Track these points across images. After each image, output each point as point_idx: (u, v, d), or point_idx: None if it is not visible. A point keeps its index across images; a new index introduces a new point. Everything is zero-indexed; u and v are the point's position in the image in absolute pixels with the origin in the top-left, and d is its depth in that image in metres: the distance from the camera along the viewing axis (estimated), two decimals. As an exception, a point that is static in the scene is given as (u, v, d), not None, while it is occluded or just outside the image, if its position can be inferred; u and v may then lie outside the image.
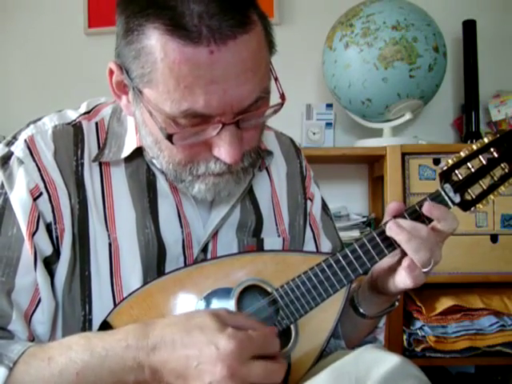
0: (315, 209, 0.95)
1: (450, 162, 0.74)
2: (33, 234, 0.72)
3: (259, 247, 0.84)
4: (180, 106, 0.63)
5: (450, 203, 0.74)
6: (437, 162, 1.55)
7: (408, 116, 1.70)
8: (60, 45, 2.05)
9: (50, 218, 0.73)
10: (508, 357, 1.50)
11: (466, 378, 1.79)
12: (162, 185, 0.79)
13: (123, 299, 0.73)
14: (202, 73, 0.61)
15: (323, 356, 0.76)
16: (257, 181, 0.88)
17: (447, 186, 0.74)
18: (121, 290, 0.74)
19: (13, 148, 0.75)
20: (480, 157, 0.74)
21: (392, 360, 0.63)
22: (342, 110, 1.87)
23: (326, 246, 0.94)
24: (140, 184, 0.79)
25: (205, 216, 0.81)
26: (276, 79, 0.71)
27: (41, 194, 0.73)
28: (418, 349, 1.51)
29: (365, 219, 1.75)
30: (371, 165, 1.91)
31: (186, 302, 0.72)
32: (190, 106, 0.63)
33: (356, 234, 1.66)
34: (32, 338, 0.72)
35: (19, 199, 0.72)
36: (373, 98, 1.64)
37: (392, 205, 0.75)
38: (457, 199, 0.74)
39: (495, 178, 0.74)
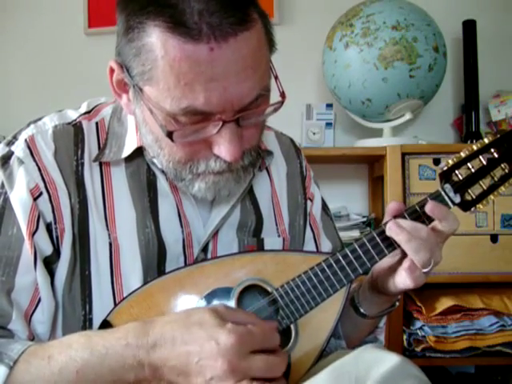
0: (315, 209, 0.95)
1: (450, 162, 0.74)
2: (33, 234, 0.72)
3: (259, 247, 0.84)
4: (180, 103, 0.63)
5: (450, 203, 0.74)
6: (437, 162, 1.55)
7: (408, 116, 1.70)
8: (60, 45, 2.05)
9: (50, 217, 0.73)
10: (508, 357, 1.50)
11: (465, 377, 1.79)
12: (162, 184, 0.79)
13: (123, 299, 0.73)
14: (203, 70, 0.61)
15: (323, 356, 0.76)
16: (257, 181, 0.88)
17: (447, 186, 0.74)
18: (121, 290, 0.74)
19: (13, 148, 0.75)
20: (480, 157, 0.74)
21: (392, 360, 0.63)
22: (342, 110, 1.87)
23: (326, 246, 0.94)
24: (140, 184, 0.79)
25: (205, 216, 0.81)
26: (276, 77, 0.71)
27: (41, 193, 0.73)
28: (418, 349, 1.51)
29: (365, 219, 1.75)
30: (371, 165, 1.91)
31: (186, 302, 0.72)
32: (190, 103, 0.63)
33: (356, 234, 1.66)
34: (32, 338, 0.72)
35: (19, 199, 0.72)
36: (373, 98, 1.64)
37: (392, 205, 0.75)
38: (457, 199, 0.74)
39: (495, 179, 0.74)
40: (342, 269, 0.73)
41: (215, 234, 0.81)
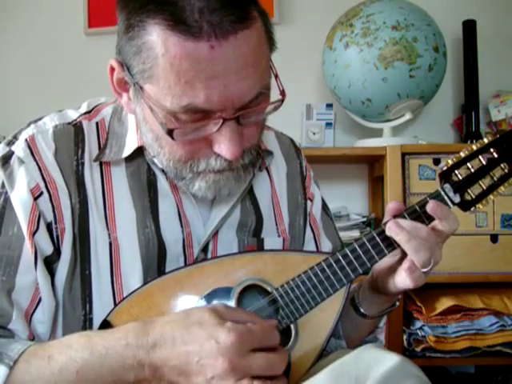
0: (315, 209, 0.95)
1: (450, 162, 0.74)
2: (33, 234, 0.72)
3: (259, 247, 0.84)
4: (181, 101, 0.63)
5: (449, 203, 0.74)
6: (437, 161, 1.55)
7: (408, 116, 1.70)
8: (60, 45, 2.05)
9: (50, 217, 0.73)
10: (508, 357, 1.50)
11: (465, 378, 1.79)
12: (162, 184, 0.79)
13: (123, 298, 0.73)
14: (203, 67, 0.61)
15: (323, 355, 0.76)
16: (257, 181, 0.88)
17: (447, 186, 0.74)
18: (121, 290, 0.74)
19: (13, 147, 0.75)
20: (480, 157, 0.74)
21: (392, 359, 0.63)
22: (342, 110, 1.87)
23: (327, 246, 0.94)
24: (140, 183, 0.79)
25: (205, 215, 0.81)
26: (276, 76, 0.71)
27: (41, 193, 0.73)
28: (418, 349, 1.51)
29: (365, 219, 1.75)
30: (371, 165, 1.91)
31: (186, 302, 0.72)
32: (190, 101, 0.63)
33: (356, 234, 1.66)
34: (32, 337, 0.72)
35: (20, 198, 0.72)
36: (373, 98, 1.64)
37: (392, 205, 0.75)
38: (457, 199, 0.74)
39: (495, 179, 0.74)
40: (342, 268, 0.73)
41: (215, 233, 0.81)
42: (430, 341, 1.49)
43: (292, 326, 0.74)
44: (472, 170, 0.74)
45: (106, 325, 0.71)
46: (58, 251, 0.74)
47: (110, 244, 0.75)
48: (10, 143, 0.76)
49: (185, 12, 0.60)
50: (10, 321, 0.70)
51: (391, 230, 0.72)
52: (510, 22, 1.92)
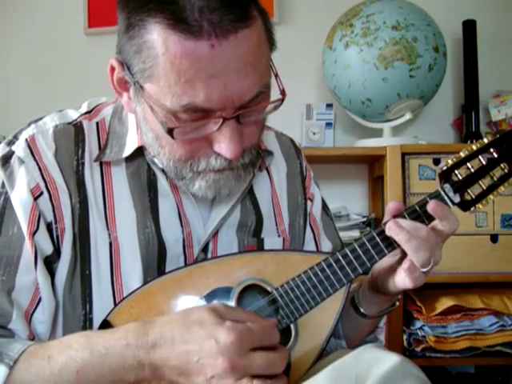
0: (315, 209, 0.95)
1: (450, 162, 0.74)
2: (33, 234, 0.72)
3: (259, 247, 0.84)
4: (181, 100, 0.63)
5: (449, 203, 0.74)
6: (437, 162, 1.55)
7: (408, 116, 1.70)
8: (60, 45, 2.05)
9: (50, 217, 0.73)
10: (508, 357, 1.50)
11: (465, 378, 1.79)
12: (162, 184, 0.79)
13: (123, 298, 0.73)
14: (203, 66, 0.62)
15: (323, 355, 0.76)
16: (257, 181, 0.88)
17: (447, 186, 0.74)
18: (121, 290, 0.74)
19: (14, 147, 0.75)
20: (480, 157, 0.74)
21: (392, 359, 0.63)
22: (342, 110, 1.87)
23: (327, 246, 0.94)
24: (141, 183, 0.79)
25: (205, 215, 0.81)
26: (276, 75, 0.71)
27: (41, 193, 0.73)
28: (418, 349, 1.51)
29: (365, 219, 1.75)
30: (371, 165, 1.91)
31: (186, 302, 0.72)
32: (190, 100, 0.63)
33: (356, 234, 1.66)
34: (32, 337, 0.72)
35: (20, 198, 0.72)
36: (373, 98, 1.64)
37: (391, 204, 0.75)
38: (456, 199, 0.74)
39: (495, 179, 0.74)
40: (342, 268, 0.73)
41: (215, 233, 0.81)
42: (430, 341, 1.49)
43: (292, 326, 0.74)
44: (472, 170, 0.74)
45: (106, 325, 0.71)
46: (58, 251, 0.74)
47: (110, 244, 0.75)
48: (11, 143, 0.76)
49: (185, 11, 0.61)
50: (10, 320, 0.70)
51: (391, 229, 0.72)
52: (510, 22, 1.92)
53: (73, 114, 0.81)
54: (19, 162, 0.74)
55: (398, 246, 0.72)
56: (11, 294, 0.71)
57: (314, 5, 1.98)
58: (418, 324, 1.51)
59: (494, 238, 1.53)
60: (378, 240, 0.74)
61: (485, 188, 0.74)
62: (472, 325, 1.48)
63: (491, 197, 0.75)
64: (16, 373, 0.63)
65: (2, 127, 1.80)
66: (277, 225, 0.88)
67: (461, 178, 0.74)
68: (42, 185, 0.73)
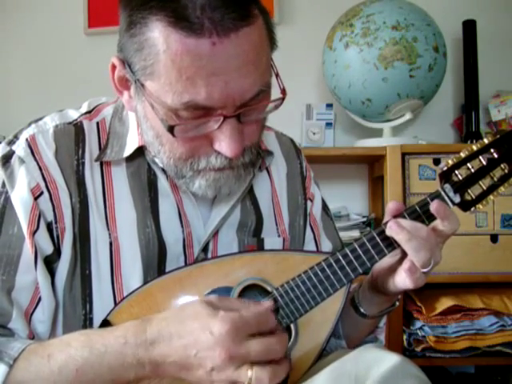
0: (315, 209, 0.95)
1: (450, 162, 0.74)
2: (33, 233, 0.72)
3: (259, 247, 0.84)
4: (182, 97, 0.64)
5: (449, 203, 0.74)
6: (437, 162, 1.55)
7: (408, 116, 1.70)
8: (60, 45, 2.05)
9: (50, 217, 0.73)
10: (508, 357, 1.50)
11: (465, 377, 1.79)
12: (162, 184, 0.79)
13: (124, 298, 0.73)
14: (204, 64, 0.62)
15: (323, 355, 0.76)
16: (257, 181, 0.88)
17: (447, 186, 0.74)
18: (121, 289, 0.75)
19: (14, 147, 0.75)
20: (480, 157, 0.74)
21: (392, 359, 0.64)
22: (342, 110, 1.87)
23: (327, 246, 0.94)
24: (141, 183, 0.79)
25: (205, 215, 0.81)
26: (277, 74, 0.71)
27: (42, 193, 0.73)
28: (418, 349, 1.51)
29: (365, 219, 1.75)
30: (371, 165, 1.91)
31: (186, 301, 0.72)
32: (191, 97, 0.63)
33: (356, 234, 1.66)
34: (32, 337, 0.72)
35: (20, 198, 0.72)
36: (373, 98, 1.64)
37: (391, 205, 0.75)
38: (457, 199, 0.74)
39: (495, 179, 0.74)
40: (342, 268, 0.73)
41: (215, 233, 0.81)
42: (429, 341, 1.49)
43: (292, 326, 0.74)
44: (472, 171, 0.74)
45: (106, 324, 0.71)
46: (58, 251, 0.74)
47: (111, 244, 0.75)
48: (11, 143, 0.76)
49: (187, 9, 0.61)
50: (9, 320, 0.70)
51: (392, 229, 0.72)
52: (510, 22, 1.92)
53: (73, 114, 0.81)
54: (19, 162, 0.74)
55: (399, 246, 0.72)
56: (11, 293, 0.71)
57: (314, 5, 1.98)
58: (418, 324, 1.51)
59: (494, 238, 1.53)
60: (378, 240, 0.74)
61: (485, 188, 0.74)
62: (472, 325, 1.48)
63: (491, 197, 0.75)
64: (16, 371, 0.63)
65: (2, 127, 1.80)
66: (277, 225, 0.88)
67: (461, 178, 0.74)
68: (43, 184, 0.73)
